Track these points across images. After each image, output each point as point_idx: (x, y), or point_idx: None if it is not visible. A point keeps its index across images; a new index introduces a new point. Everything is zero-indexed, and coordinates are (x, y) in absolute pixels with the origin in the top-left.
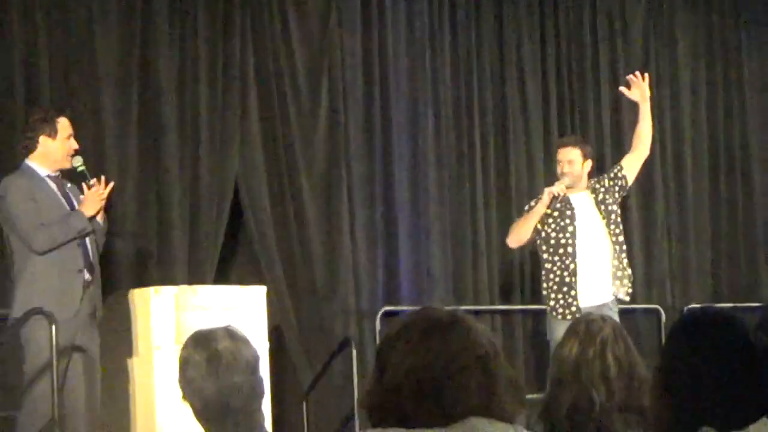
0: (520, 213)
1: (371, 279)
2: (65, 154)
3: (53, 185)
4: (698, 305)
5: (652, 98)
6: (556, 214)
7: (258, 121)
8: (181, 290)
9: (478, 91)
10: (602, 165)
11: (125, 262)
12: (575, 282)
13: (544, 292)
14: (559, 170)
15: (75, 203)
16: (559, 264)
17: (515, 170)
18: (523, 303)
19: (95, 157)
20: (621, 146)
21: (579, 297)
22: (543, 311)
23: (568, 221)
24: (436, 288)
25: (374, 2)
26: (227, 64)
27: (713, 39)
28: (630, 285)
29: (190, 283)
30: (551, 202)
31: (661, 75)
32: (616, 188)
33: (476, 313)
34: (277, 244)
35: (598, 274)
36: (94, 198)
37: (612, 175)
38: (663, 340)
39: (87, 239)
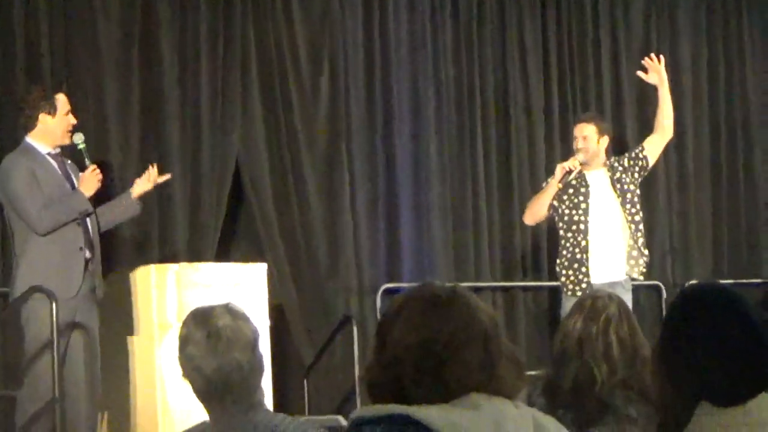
0: (522, 190)
1: (372, 256)
2: (64, 130)
3: (54, 163)
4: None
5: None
6: (571, 191)
7: (259, 100)
8: (182, 267)
9: (479, 69)
10: None
11: (127, 240)
12: (587, 259)
13: (557, 269)
14: (574, 146)
15: (75, 181)
16: (572, 240)
17: (516, 147)
18: (524, 279)
19: (98, 137)
20: (622, 123)
21: (590, 274)
22: (543, 288)
23: (582, 198)
24: (437, 265)
25: None
26: (228, 44)
27: (714, 17)
28: (645, 265)
29: (191, 260)
30: (563, 177)
31: (661, 51)
32: (636, 168)
33: (477, 289)
34: (278, 221)
35: (610, 252)
36: (92, 179)
37: (633, 155)
38: (663, 316)
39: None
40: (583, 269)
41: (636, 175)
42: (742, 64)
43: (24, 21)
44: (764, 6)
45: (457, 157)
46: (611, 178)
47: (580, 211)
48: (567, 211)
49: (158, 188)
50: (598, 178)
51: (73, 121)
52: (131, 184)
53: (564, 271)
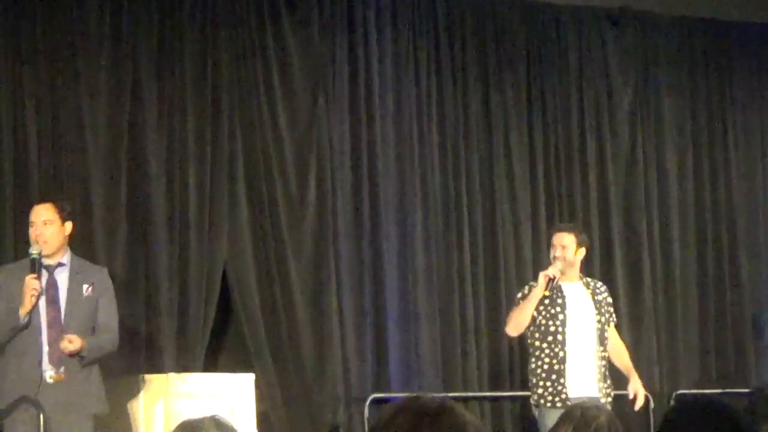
0: (510, 299)
1: (360, 365)
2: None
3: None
4: (686, 391)
5: (639, 182)
6: (546, 301)
7: (246, 206)
8: (169, 377)
9: (466, 176)
10: (590, 253)
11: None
12: (564, 370)
13: (533, 380)
14: (552, 254)
15: (59, 293)
16: (547, 351)
17: (503, 255)
18: (512, 389)
19: (83, 242)
20: (609, 229)
21: (568, 385)
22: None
23: (558, 309)
24: (425, 374)
25: (362, 87)
26: (215, 149)
27: (699, 124)
28: (611, 394)
29: (179, 370)
30: (548, 285)
31: (647, 159)
32: (609, 314)
33: (465, 399)
34: (265, 330)
35: (587, 366)
36: (26, 291)
37: (610, 302)
38: (652, 426)
39: (53, 332)
40: (561, 380)
41: (608, 317)
42: (728, 170)
43: (13, 129)
44: (748, 111)
45: (444, 265)
46: (592, 297)
47: (558, 322)
48: (543, 321)
49: (145, 297)
50: (575, 291)
51: (37, 232)
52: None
53: (542, 383)
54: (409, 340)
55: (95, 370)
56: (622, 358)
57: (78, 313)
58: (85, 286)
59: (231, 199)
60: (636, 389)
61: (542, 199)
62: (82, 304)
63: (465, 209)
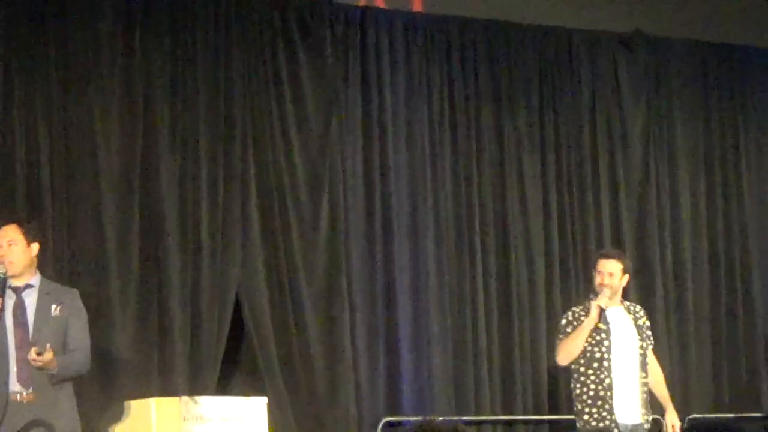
0: (522, 322)
1: (372, 388)
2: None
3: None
4: (699, 415)
5: (652, 206)
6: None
7: (259, 230)
8: (182, 401)
9: (479, 200)
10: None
11: (126, 372)
12: (611, 396)
13: (579, 406)
14: (598, 281)
15: (27, 314)
16: (593, 378)
17: (516, 279)
18: (524, 413)
19: (97, 266)
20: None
21: (615, 411)
22: (544, 422)
23: (603, 335)
24: (437, 397)
25: (375, 112)
26: (228, 174)
27: (713, 150)
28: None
29: (192, 393)
30: (600, 316)
31: (660, 183)
32: (649, 338)
33: (478, 423)
34: (278, 353)
35: (632, 392)
36: None
37: (648, 325)
38: None
39: (22, 352)
40: (607, 406)
41: (647, 342)
42: (741, 194)
43: (26, 150)
44: (761, 136)
45: (457, 288)
46: (635, 322)
47: (603, 349)
48: (588, 348)
49: (158, 320)
50: (618, 316)
51: (2, 253)
52: None
53: (587, 409)
54: (421, 363)
55: (66, 390)
56: (660, 388)
57: (47, 332)
58: (53, 306)
59: (244, 222)
60: (673, 422)
61: (555, 222)
62: (51, 323)
63: (477, 233)
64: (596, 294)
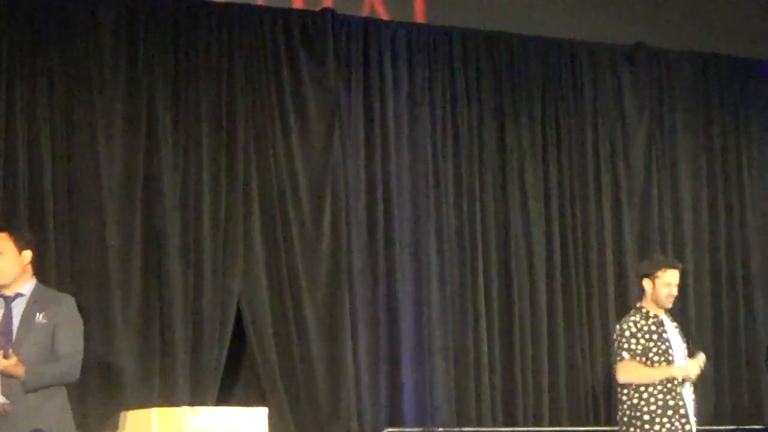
0: (524, 334)
1: (374, 399)
2: None
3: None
4: (701, 428)
5: (654, 218)
6: (655, 337)
7: (261, 241)
8: (183, 411)
9: (481, 211)
10: (604, 285)
11: (128, 382)
12: (683, 405)
13: (644, 417)
14: (666, 292)
15: (13, 323)
16: (660, 387)
17: (517, 290)
18: (525, 425)
19: (99, 277)
20: (624, 268)
21: (690, 419)
22: None
23: (668, 344)
24: (438, 409)
25: (377, 123)
26: (230, 185)
27: (714, 162)
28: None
29: (193, 403)
30: (660, 325)
31: (662, 196)
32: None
33: None
34: (279, 364)
35: (690, 397)
36: None
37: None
38: None
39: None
40: (680, 414)
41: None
42: (743, 207)
43: (27, 158)
44: (764, 148)
45: (459, 300)
46: (679, 330)
47: (670, 358)
48: (656, 358)
49: (160, 331)
50: (670, 325)
51: None
52: None
53: (657, 419)
54: (423, 375)
55: (56, 400)
56: None
57: (30, 340)
58: (38, 314)
59: (246, 234)
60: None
61: (556, 233)
62: (34, 330)
63: (479, 244)
64: (647, 303)
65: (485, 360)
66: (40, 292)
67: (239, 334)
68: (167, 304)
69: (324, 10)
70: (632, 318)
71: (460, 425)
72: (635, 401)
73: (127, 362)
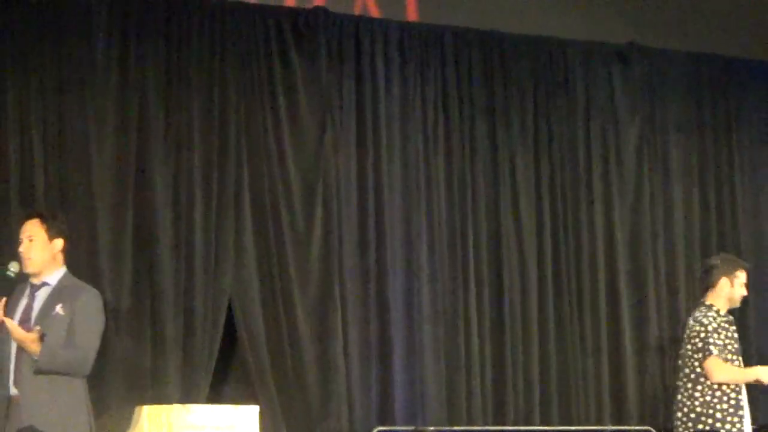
0: (515, 334)
1: (365, 398)
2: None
3: (27, 291)
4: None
5: (646, 218)
6: (729, 334)
7: (252, 240)
8: (174, 409)
9: (472, 211)
10: (596, 284)
11: (119, 380)
12: (744, 404)
13: (717, 415)
14: (741, 293)
15: (33, 313)
16: (733, 386)
17: (508, 290)
18: (516, 423)
19: (90, 274)
20: (614, 267)
21: (749, 419)
22: None
23: (738, 344)
24: (429, 407)
25: (369, 124)
26: (222, 183)
27: (706, 162)
28: None
29: (184, 402)
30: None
31: (654, 195)
32: None
33: None
34: (270, 362)
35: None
36: None
37: None
38: None
39: (18, 354)
40: (742, 414)
41: None
42: (734, 206)
43: (20, 157)
44: (756, 148)
45: (450, 300)
46: None
47: (740, 356)
48: (730, 357)
49: (151, 329)
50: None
51: (21, 249)
52: None
53: (729, 418)
54: (414, 373)
55: (73, 395)
56: None
57: (45, 330)
58: (58, 305)
59: (237, 232)
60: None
61: (548, 233)
62: (51, 322)
63: (471, 244)
64: (718, 300)
65: (476, 359)
66: (66, 283)
67: (230, 333)
68: (158, 302)
69: (316, 8)
70: (709, 313)
71: (451, 424)
72: (708, 398)
73: (117, 360)
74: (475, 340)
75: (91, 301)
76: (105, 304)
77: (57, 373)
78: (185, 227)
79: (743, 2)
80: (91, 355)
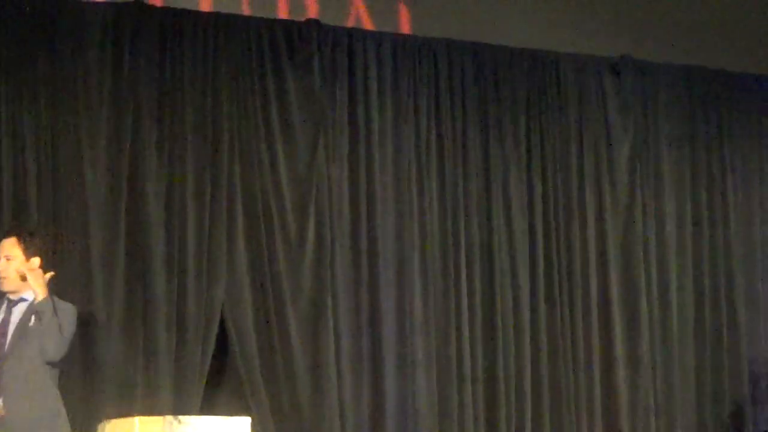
0: (507, 347)
1: (357, 411)
2: None
3: (4, 306)
4: None
5: (638, 231)
6: None
7: (245, 251)
8: (166, 420)
9: (464, 224)
10: (588, 295)
11: (111, 390)
12: None
13: None
14: None
15: (9, 328)
16: None
17: (501, 303)
18: None
19: (82, 286)
20: (607, 282)
21: None
22: None
23: None
24: (421, 419)
25: (361, 134)
26: (214, 194)
27: (699, 175)
28: None
29: (176, 412)
30: None
31: (646, 208)
32: None
33: None
34: (262, 374)
35: None
36: None
37: None
38: None
39: None
40: None
41: None
42: (726, 220)
43: (12, 168)
44: (747, 161)
45: (442, 313)
46: None
47: None
48: None
49: (143, 340)
50: None
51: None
52: None
53: None
54: (405, 387)
55: (48, 407)
56: None
57: (22, 343)
58: (32, 317)
59: (229, 244)
60: None
61: (540, 246)
62: (27, 334)
63: (463, 258)
64: None
65: (468, 370)
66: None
67: (223, 343)
68: (151, 312)
69: (309, 21)
70: None
71: None
72: None
73: (109, 371)
74: (467, 353)
75: (66, 313)
76: (94, 318)
77: (47, 326)
78: (177, 238)
79: (736, 16)
80: (66, 340)
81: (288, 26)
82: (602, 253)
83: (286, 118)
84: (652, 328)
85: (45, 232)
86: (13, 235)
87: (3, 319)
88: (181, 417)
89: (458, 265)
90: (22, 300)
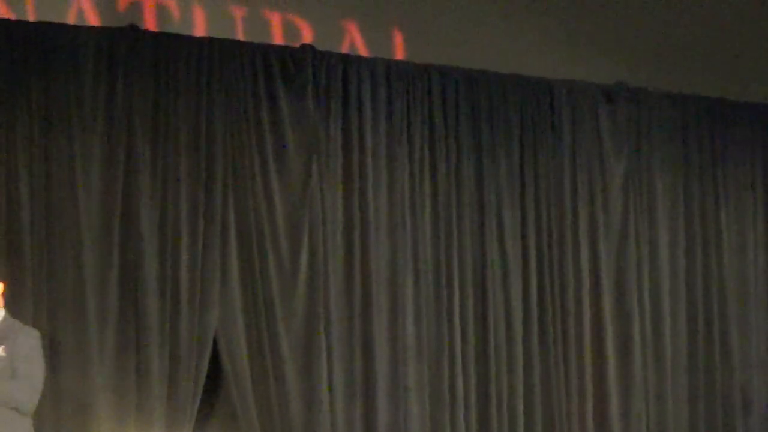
0: (500, 372)
1: None
2: None
3: None
4: None
5: (631, 257)
6: None
7: (238, 276)
8: None
9: (458, 249)
10: (581, 321)
11: (103, 414)
12: None
13: None
14: None
15: None
16: None
17: (494, 330)
18: None
19: (75, 309)
20: (600, 305)
21: None
22: None
23: None
24: None
25: (355, 159)
26: (208, 217)
27: (692, 202)
28: None
29: None
30: None
31: (639, 234)
32: None
33: None
34: (255, 400)
35: None
36: None
37: None
38: None
39: None
40: None
41: None
42: (719, 246)
43: (5, 190)
44: (740, 188)
45: (435, 338)
46: None
47: None
48: None
49: (136, 364)
50: None
51: None
52: None
53: None
54: (398, 413)
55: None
56: None
57: None
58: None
59: (223, 268)
60: None
61: (533, 271)
62: None
63: (456, 283)
64: None
65: (460, 397)
66: (6, 325)
67: (215, 368)
68: (143, 337)
69: (304, 46)
70: None
71: None
72: None
73: (102, 395)
74: (459, 378)
75: (30, 341)
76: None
77: (5, 404)
78: (171, 263)
79: (730, 45)
80: (37, 386)
81: (282, 51)
82: (596, 280)
83: (280, 142)
84: (644, 353)
85: None
86: None
87: None
88: None
89: (451, 291)
90: None
